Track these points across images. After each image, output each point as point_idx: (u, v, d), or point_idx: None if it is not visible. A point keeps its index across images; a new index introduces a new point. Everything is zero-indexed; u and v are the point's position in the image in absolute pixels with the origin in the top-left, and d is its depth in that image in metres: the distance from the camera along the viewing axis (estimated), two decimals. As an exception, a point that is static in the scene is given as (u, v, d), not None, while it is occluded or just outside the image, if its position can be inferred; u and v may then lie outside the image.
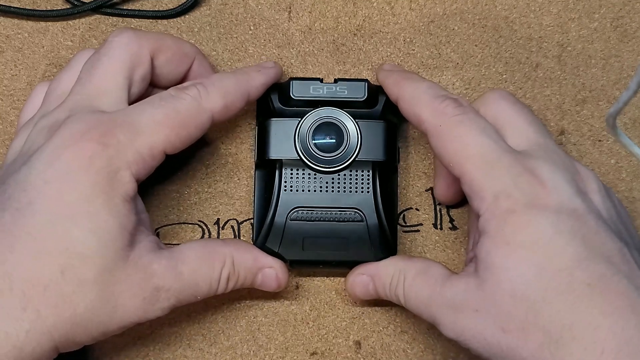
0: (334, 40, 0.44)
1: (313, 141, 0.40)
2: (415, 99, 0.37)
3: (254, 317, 0.42)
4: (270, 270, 0.38)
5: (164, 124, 0.35)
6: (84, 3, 0.44)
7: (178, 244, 0.38)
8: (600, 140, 0.43)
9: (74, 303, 0.32)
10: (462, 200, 0.43)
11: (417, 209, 0.43)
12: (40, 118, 0.37)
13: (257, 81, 0.39)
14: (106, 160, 0.33)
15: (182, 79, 0.41)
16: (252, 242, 0.43)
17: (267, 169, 0.40)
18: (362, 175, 0.40)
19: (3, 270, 0.31)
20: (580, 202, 0.33)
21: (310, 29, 0.45)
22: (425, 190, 0.43)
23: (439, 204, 0.43)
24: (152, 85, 0.41)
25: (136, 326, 0.42)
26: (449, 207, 0.43)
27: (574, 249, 0.32)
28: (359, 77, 0.43)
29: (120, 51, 0.37)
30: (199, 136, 0.37)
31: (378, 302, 0.42)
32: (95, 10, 0.44)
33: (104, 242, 0.33)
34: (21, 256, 0.32)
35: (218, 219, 0.43)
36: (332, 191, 0.40)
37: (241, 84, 0.38)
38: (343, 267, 0.40)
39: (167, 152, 0.36)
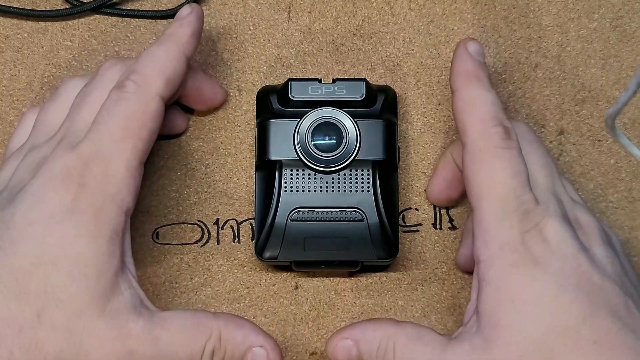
0: (333, 40, 0.44)
1: (312, 141, 0.40)
2: (472, 107, 0.35)
3: (254, 317, 0.42)
4: (260, 349, 0.35)
5: (124, 138, 0.34)
6: (83, 3, 0.44)
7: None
8: (599, 140, 0.43)
9: (44, 349, 0.31)
10: (459, 201, 0.43)
11: (416, 209, 0.43)
12: (29, 150, 0.36)
13: (185, 37, 0.38)
14: (89, 200, 0.33)
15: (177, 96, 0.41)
16: (252, 243, 0.43)
17: (267, 170, 0.40)
18: (362, 174, 0.40)
19: None
20: (584, 259, 0.33)
21: (309, 29, 0.45)
22: (425, 190, 0.43)
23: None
24: None
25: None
26: (448, 207, 0.43)
27: (579, 306, 0.32)
28: (358, 77, 0.43)
29: (111, 85, 0.36)
30: (160, 125, 0.36)
31: (377, 302, 0.42)
32: (95, 10, 0.44)
33: (81, 288, 0.32)
34: (0, 294, 0.31)
35: (217, 219, 0.43)
36: (333, 191, 0.40)
37: (172, 51, 0.37)
38: (345, 266, 0.40)
39: (144, 159, 0.35)
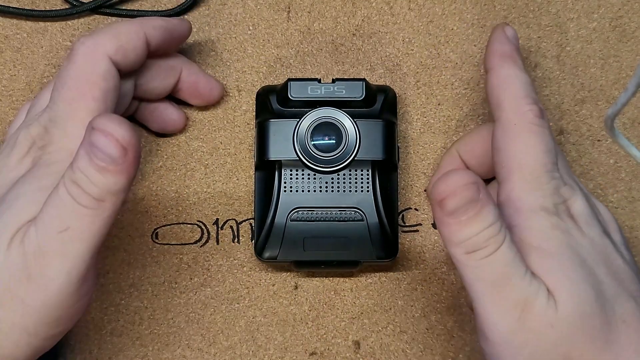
0: (332, 40, 0.44)
1: (312, 141, 0.40)
2: (507, 84, 0.36)
3: (253, 317, 0.42)
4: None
5: (76, 99, 0.35)
6: (83, 3, 0.44)
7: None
8: (599, 140, 0.44)
9: None
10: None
11: (416, 209, 0.43)
12: (20, 131, 0.37)
13: (153, 21, 0.38)
14: (47, 157, 0.34)
15: (172, 90, 0.41)
16: (252, 243, 0.43)
17: (267, 170, 0.40)
18: (362, 174, 0.40)
19: None
20: (608, 242, 0.34)
21: (309, 29, 0.45)
22: (425, 190, 0.43)
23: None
24: (139, 99, 0.41)
25: (135, 326, 0.42)
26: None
27: (611, 283, 0.32)
28: (357, 77, 0.43)
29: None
30: (116, 87, 0.36)
31: (377, 302, 0.42)
32: (94, 10, 0.44)
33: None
34: None
35: (217, 219, 0.43)
36: (332, 191, 0.40)
37: (132, 25, 0.37)
38: (344, 266, 0.40)
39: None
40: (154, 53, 0.39)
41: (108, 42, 0.36)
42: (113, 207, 0.31)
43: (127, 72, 0.38)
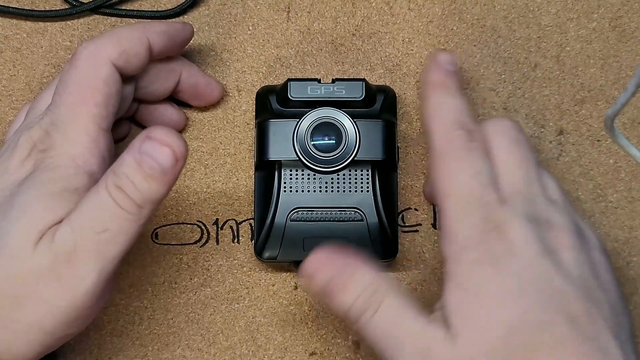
0: (332, 40, 0.44)
1: (312, 142, 0.40)
2: (435, 113, 0.36)
3: (253, 318, 0.42)
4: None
5: (78, 104, 0.35)
6: (83, 3, 0.44)
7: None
8: (599, 140, 0.43)
9: None
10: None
11: (415, 209, 0.43)
12: (21, 133, 0.37)
13: (156, 26, 0.38)
14: (49, 161, 0.34)
15: (172, 92, 0.41)
16: (251, 243, 0.43)
17: (267, 170, 0.40)
18: (362, 174, 0.40)
19: None
20: (547, 262, 0.32)
21: (309, 29, 0.45)
22: (423, 191, 0.43)
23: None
24: (139, 101, 0.41)
25: (135, 326, 0.42)
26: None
27: (539, 310, 0.31)
28: (357, 77, 0.43)
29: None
30: (118, 92, 0.36)
31: (377, 302, 0.42)
32: (94, 10, 0.44)
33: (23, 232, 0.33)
34: None
35: (217, 219, 0.43)
36: (332, 191, 0.40)
37: (135, 30, 0.37)
38: (344, 267, 0.40)
39: (105, 125, 0.35)
40: (156, 57, 0.39)
41: (111, 47, 0.36)
42: (149, 215, 0.32)
43: (129, 77, 0.38)
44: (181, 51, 0.42)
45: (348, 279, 0.33)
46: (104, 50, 0.36)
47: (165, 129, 0.32)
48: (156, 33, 0.38)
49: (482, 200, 0.33)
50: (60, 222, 0.32)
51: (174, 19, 0.44)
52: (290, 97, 0.40)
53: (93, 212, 0.32)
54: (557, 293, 0.32)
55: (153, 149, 0.31)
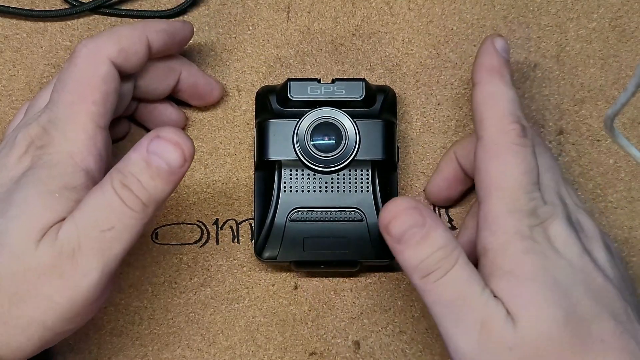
0: (332, 40, 0.44)
1: (312, 141, 0.40)
2: (492, 101, 0.36)
3: (253, 318, 0.42)
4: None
5: (76, 102, 0.35)
6: (83, 3, 0.44)
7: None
8: (598, 140, 0.44)
9: None
10: (458, 201, 0.43)
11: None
12: (19, 130, 0.37)
13: (156, 25, 0.38)
14: (46, 158, 0.34)
15: (171, 91, 0.41)
16: (251, 243, 0.43)
17: (267, 170, 0.40)
18: (362, 174, 0.40)
19: None
20: (588, 260, 0.33)
21: (308, 29, 0.45)
22: (424, 190, 0.43)
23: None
24: (139, 100, 0.41)
25: (135, 326, 0.42)
26: (447, 207, 0.43)
27: (589, 303, 0.32)
28: (357, 77, 0.43)
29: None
30: (116, 89, 0.36)
31: (377, 302, 0.42)
32: (94, 10, 0.44)
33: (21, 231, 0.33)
34: None
35: (217, 219, 0.43)
36: (332, 191, 0.40)
37: (135, 28, 0.37)
38: (344, 266, 0.40)
39: (103, 123, 0.35)
40: (155, 56, 0.39)
41: (110, 45, 0.36)
42: (152, 213, 0.32)
43: (128, 75, 0.38)
44: (181, 50, 0.42)
45: (426, 234, 0.32)
46: (103, 48, 0.36)
47: (174, 129, 0.32)
48: (156, 31, 0.38)
49: (531, 196, 0.34)
50: (61, 220, 0.32)
51: (174, 19, 0.44)
52: (290, 97, 0.40)
53: (98, 210, 0.32)
54: (601, 289, 0.33)
55: (162, 148, 0.31)
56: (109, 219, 0.32)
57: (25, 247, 0.32)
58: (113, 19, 0.45)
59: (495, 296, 0.32)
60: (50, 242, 0.32)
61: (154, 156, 0.31)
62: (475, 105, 0.36)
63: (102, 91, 0.35)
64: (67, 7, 0.44)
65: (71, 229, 0.32)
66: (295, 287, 0.43)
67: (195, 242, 0.43)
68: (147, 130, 0.43)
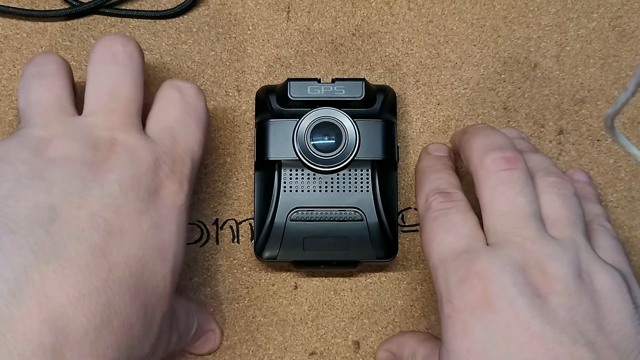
0: (332, 40, 0.44)
1: (312, 141, 0.40)
2: (423, 183, 0.38)
3: (253, 317, 0.42)
4: (212, 333, 0.41)
5: None
6: (83, 3, 0.44)
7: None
8: (598, 140, 0.44)
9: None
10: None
11: (415, 209, 0.43)
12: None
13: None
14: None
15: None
16: (251, 243, 0.43)
17: (266, 170, 0.40)
18: (362, 174, 0.40)
19: None
20: (528, 310, 0.31)
21: (308, 29, 0.45)
22: (424, 190, 0.43)
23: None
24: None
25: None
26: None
27: (512, 358, 0.31)
28: (357, 77, 0.43)
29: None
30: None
31: (377, 302, 0.42)
32: (94, 10, 0.44)
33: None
34: None
35: (217, 219, 0.43)
36: (332, 191, 0.40)
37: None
38: (344, 266, 0.40)
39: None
40: None
41: None
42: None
43: None
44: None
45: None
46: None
47: None
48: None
49: (458, 250, 0.34)
50: None
51: (173, 19, 0.44)
52: (290, 97, 0.40)
53: None
54: (534, 339, 0.31)
55: None
56: None
57: None
58: (113, 19, 0.45)
59: None
60: None
61: None
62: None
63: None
64: (67, 7, 0.44)
65: None
66: (295, 287, 0.43)
67: (195, 242, 0.43)
68: None
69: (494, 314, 0.31)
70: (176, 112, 0.37)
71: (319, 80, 0.40)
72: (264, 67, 0.44)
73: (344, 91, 0.40)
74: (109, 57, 0.36)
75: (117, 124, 0.35)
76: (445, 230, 0.35)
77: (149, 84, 0.44)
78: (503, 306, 0.31)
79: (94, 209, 0.31)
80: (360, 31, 0.44)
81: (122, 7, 0.45)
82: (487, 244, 0.34)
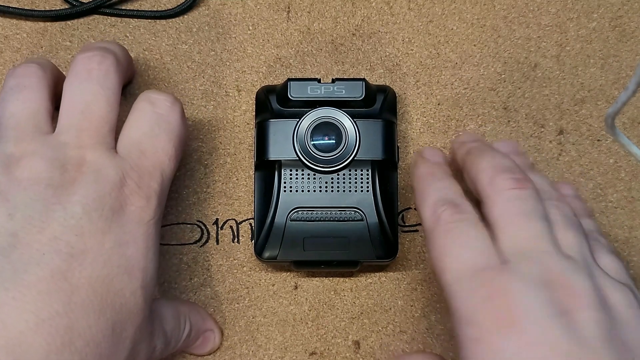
0: (332, 40, 0.44)
1: (312, 141, 0.40)
2: (427, 192, 0.36)
3: (253, 317, 0.42)
4: (210, 333, 0.41)
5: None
6: (83, 3, 0.44)
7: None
8: (599, 140, 0.44)
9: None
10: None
11: (415, 209, 0.43)
12: None
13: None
14: None
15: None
16: (251, 243, 0.43)
17: (267, 170, 0.40)
18: (362, 174, 0.40)
19: None
20: (555, 328, 0.30)
21: (308, 29, 0.45)
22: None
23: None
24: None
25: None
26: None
27: None
28: (357, 77, 0.43)
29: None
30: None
31: (377, 302, 0.42)
32: (94, 10, 0.44)
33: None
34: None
35: (217, 219, 0.43)
36: (332, 191, 0.40)
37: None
38: (344, 266, 0.40)
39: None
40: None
41: None
42: None
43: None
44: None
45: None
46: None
47: None
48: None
49: (478, 267, 0.32)
50: None
51: (173, 19, 0.44)
52: (290, 97, 0.40)
53: None
54: (563, 356, 0.30)
55: None
56: None
57: None
58: (113, 19, 0.45)
59: None
60: None
61: None
62: (415, 196, 0.37)
63: None
64: (67, 7, 0.44)
65: None
66: (295, 287, 0.43)
67: (195, 242, 0.43)
68: None
69: (521, 334, 0.30)
70: (145, 125, 0.36)
71: (319, 80, 0.40)
72: (264, 67, 0.44)
73: (344, 91, 0.40)
74: (84, 74, 0.36)
75: (87, 143, 0.34)
76: (460, 244, 0.33)
77: (149, 85, 0.44)
78: (530, 325, 0.30)
79: (56, 232, 0.31)
80: (361, 31, 0.44)
81: (122, 7, 0.45)
82: (502, 261, 0.33)
